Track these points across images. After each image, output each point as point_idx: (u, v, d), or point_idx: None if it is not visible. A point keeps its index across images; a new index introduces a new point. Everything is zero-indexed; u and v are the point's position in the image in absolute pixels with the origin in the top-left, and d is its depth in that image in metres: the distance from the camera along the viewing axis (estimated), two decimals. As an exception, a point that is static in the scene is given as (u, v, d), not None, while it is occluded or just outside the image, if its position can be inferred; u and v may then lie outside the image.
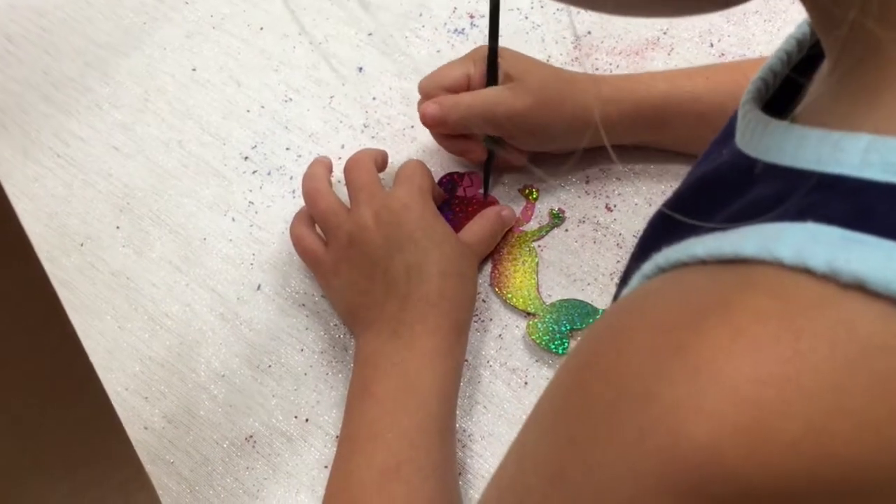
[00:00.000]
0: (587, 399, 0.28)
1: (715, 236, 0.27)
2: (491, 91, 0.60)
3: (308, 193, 0.61)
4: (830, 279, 0.24)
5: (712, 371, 0.24)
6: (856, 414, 0.23)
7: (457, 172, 0.66)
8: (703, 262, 0.28)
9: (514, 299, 0.61)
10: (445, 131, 0.63)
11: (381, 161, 0.63)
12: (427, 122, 0.61)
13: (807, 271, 0.25)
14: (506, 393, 0.58)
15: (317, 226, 0.61)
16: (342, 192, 0.62)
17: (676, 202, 0.37)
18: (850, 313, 0.24)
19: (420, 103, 0.63)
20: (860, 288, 0.24)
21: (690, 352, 0.25)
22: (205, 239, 0.65)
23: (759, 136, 0.31)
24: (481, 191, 0.65)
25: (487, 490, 0.35)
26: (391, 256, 0.56)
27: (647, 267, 0.30)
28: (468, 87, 0.62)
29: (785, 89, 0.37)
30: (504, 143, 0.63)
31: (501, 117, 0.60)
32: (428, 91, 0.62)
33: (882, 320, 0.24)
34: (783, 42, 0.38)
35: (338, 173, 0.64)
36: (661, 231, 0.33)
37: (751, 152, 0.32)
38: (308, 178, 0.62)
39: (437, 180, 0.65)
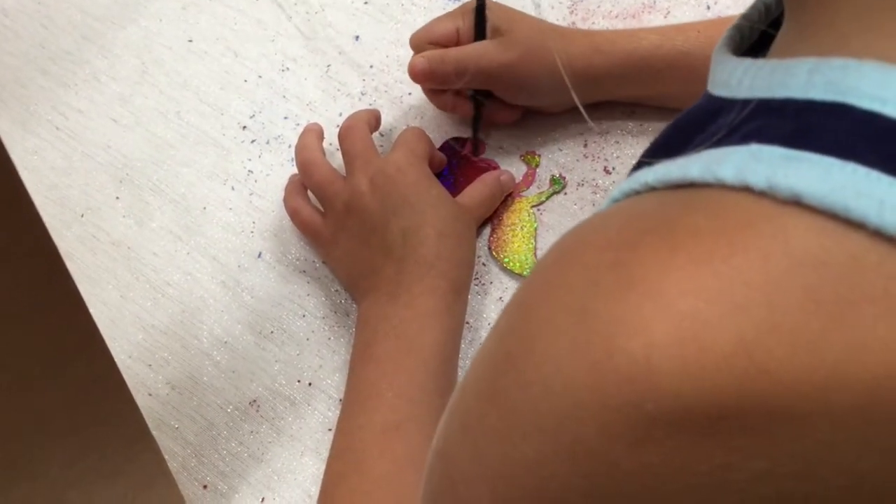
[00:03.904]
0: (525, 315, 0.28)
1: (665, 164, 0.28)
2: (478, 45, 0.60)
3: (302, 165, 0.61)
4: (769, 196, 0.24)
5: (647, 285, 0.24)
6: (788, 330, 0.23)
7: (458, 138, 0.66)
8: (653, 189, 0.28)
9: (511, 263, 0.61)
10: (434, 86, 0.63)
11: (374, 123, 0.63)
12: (414, 76, 0.61)
13: (747, 189, 0.25)
14: (507, 354, 0.58)
15: (310, 192, 0.62)
16: (338, 158, 0.62)
17: (651, 148, 0.38)
18: (785, 228, 0.24)
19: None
20: (797, 203, 0.24)
21: (626, 267, 0.25)
22: (205, 208, 0.66)
23: (724, 75, 0.31)
24: (473, 151, 0.65)
25: (441, 419, 0.35)
26: (387, 221, 0.56)
27: (605, 202, 0.30)
28: (458, 40, 0.62)
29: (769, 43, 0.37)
30: (492, 98, 0.63)
31: (488, 71, 0.60)
32: (418, 45, 0.62)
33: (817, 235, 0.23)
34: None
35: (335, 140, 0.64)
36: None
37: (715, 91, 0.32)
38: (301, 149, 0.62)
39: (438, 146, 0.65)
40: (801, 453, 0.23)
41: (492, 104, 0.64)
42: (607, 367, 0.24)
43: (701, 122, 0.31)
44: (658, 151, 0.32)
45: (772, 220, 0.24)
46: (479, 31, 0.61)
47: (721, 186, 0.25)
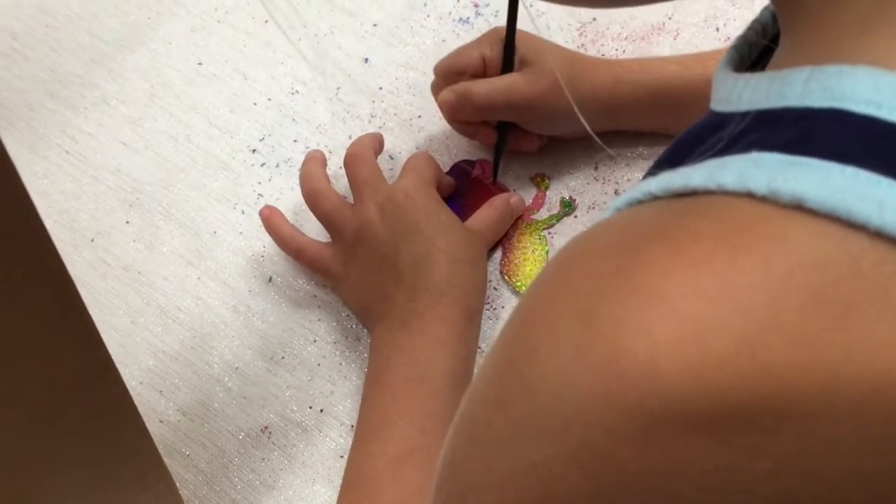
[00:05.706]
0: (529, 322, 0.28)
1: (668, 173, 0.28)
2: (506, 79, 0.60)
3: (309, 195, 0.61)
4: (770, 200, 0.25)
5: (650, 287, 0.24)
6: (790, 330, 0.23)
7: (467, 161, 0.66)
8: (656, 199, 0.28)
9: (523, 287, 0.61)
10: (462, 119, 0.63)
11: (378, 147, 0.63)
12: (443, 111, 0.62)
13: (749, 195, 0.25)
14: (519, 379, 0.58)
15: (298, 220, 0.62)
16: (343, 181, 0.62)
17: (655, 163, 0.38)
18: (787, 230, 0.24)
19: (433, 84, 0.63)
20: (799, 207, 0.24)
21: (629, 272, 0.25)
22: (215, 232, 0.66)
23: (724, 92, 0.32)
24: (492, 179, 0.65)
25: (449, 430, 0.35)
26: (398, 248, 0.56)
27: (608, 211, 0.31)
28: (484, 69, 0.62)
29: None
30: (517, 128, 0.63)
31: (517, 104, 0.60)
32: (444, 74, 0.62)
33: (818, 237, 0.24)
34: (759, 13, 0.38)
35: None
36: None
37: (716, 107, 0.32)
38: (306, 179, 0.61)
39: (447, 169, 0.65)
40: (806, 453, 0.23)
41: (515, 133, 0.64)
42: (612, 369, 0.24)
43: (703, 136, 0.32)
44: (661, 165, 0.33)
45: (773, 223, 0.24)
46: (507, 63, 0.61)
47: (723, 193, 0.26)
